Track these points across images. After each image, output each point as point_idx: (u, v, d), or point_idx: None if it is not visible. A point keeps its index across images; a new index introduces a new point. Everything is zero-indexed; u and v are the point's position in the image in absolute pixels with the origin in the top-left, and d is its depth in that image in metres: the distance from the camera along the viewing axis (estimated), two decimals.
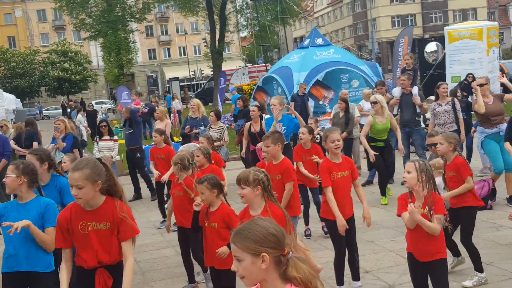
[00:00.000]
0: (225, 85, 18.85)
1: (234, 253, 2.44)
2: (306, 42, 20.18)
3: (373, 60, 31.50)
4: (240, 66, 45.06)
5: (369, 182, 10.75)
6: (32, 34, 71.04)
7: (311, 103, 16.10)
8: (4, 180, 4.53)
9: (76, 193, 3.70)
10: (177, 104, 26.82)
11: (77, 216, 3.83)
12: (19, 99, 17.60)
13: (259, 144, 9.78)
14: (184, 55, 70.46)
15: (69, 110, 32.14)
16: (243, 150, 10.16)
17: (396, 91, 10.75)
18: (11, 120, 13.44)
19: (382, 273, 6.18)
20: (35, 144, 10.95)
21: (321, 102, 17.70)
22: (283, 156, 6.00)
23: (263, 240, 2.39)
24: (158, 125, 12.52)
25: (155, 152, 9.05)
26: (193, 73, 60.15)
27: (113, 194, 3.87)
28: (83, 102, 38.24)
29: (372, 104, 9.40)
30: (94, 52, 66.10)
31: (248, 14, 42.78)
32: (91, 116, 23.44)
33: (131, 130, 11.64)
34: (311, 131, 7.79)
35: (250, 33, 44.74)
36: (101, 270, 3.87)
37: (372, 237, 7.36)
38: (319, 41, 19.64)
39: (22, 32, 70.74)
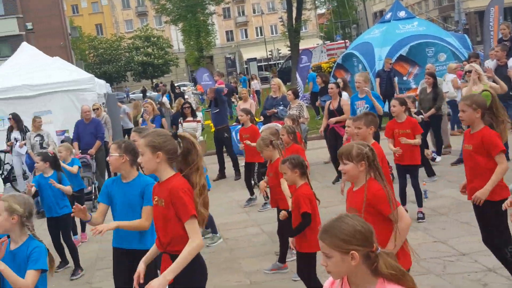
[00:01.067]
0: (308, 64, 18.44)
1: (323, 250, 2.45)
2: (388, 15, 19.36)
3: (460, 32, 29.85)
4: (317, 44, 44.38)
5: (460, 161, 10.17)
6: (117, 21, 73.38)
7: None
8: (108, 158, 4.67)
9: (140, 160, 3.62)
10: (256, 85, 26.77)
11: (154, 189, 3.72)
12: (108, 84, 18.15)
13: (332, 119, 9.52)
14: (261, 35, 70.35)
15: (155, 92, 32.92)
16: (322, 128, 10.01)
17: (490, 63, 10.03)
18: (103, 103, 13.79)
19: (480, 256, 5.76)
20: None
21: (405, 78, 16.97)
22: (373, 141, 5.52)
23: (351, 238, 2.40)
24: (242, 105, 12.46)
25: (242, 132, 9.08)
26: (270, 53, 59.96)
27: (187, 174, 3.57)
28: (172, 85, 39.07)
29: (467, 73, 8.81)
30: (175, 36, 67.39)
31: None
32: (178, 97, 23.81)
33: (217, 110, 11.65)
34: (402, 102, 7.35)
35: (328, 9, 43.85)
36: (165, 256, 3.62)
37: (467, 219, 6.91)
38: (402, 14, 18.79)
39: (108, 20, 73.25)
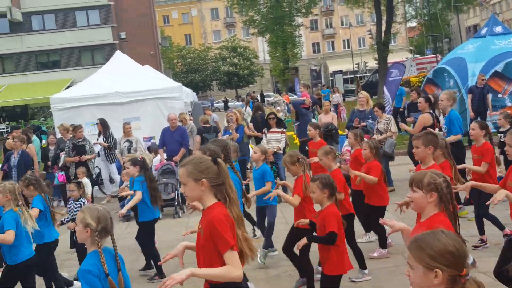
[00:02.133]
0: (399, 77, 17.98)
1: (408, 260, 2.43)
2: (484, 30, 18.61)
3: None
4: (407, 58, 43.41)
5: None
6: (206, 32, 75.37)
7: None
8: None
9: (182, 190, 3.50)
10: (338, 98, 26.57)
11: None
12: (195, 93, 18.75)
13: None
14: (348, 47, 69.77)
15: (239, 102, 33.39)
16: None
17: None
18: (189, 112, 14.16)
19: None
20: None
21: (500, 95, 16.23)
22: (433, 162, 5.24)
23: (438, 256, 2.33)
24: (323, 118, 12.39)
25: (311, 146, 9.03)
26: (357, 65, 59.29)
27: (222, 199, 3.42)
28: (262, 94, 39.50)
29: None
30: (261, 47, 68.25)
31: (418, 3, 40.97)
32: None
33: (298, 122, 11.71)
34: (483, 126, 6.90)
35: (419, 23, 42.84)
36: (206, 284, 3.45)
37: None
38: (499, 29, 17.99)
39: (197, 30, 75.41)
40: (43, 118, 33.37)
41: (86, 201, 7.59)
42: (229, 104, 47.46)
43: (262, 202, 6.96)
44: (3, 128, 34.17)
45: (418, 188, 3.49)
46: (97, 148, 12.50)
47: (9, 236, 5.41)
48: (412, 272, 2.41)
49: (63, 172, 12.01)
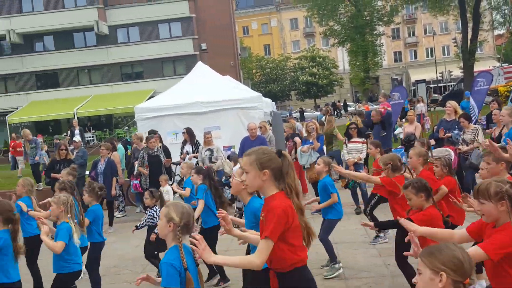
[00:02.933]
0: (486, 87, 17.34)
1: (418, 266, 2.62)
2: None
3: None
4: (494, 66, 41.69)
5: None
6: (285, 42, 75.83)
7: None
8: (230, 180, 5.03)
9: (244, 178, 3.69)
10: (421, 107, 25.90)
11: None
12: (274, 103, 19.01)
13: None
14: (432, 56, 67.86)
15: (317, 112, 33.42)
16: None
17: None
18: (268, 121, 14.32)
19: None
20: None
21: None
22: (507, 175, 5.09)
23: (447, 261, 2.51)
24: (407, 128, 12.15)
25: (375, 165, 8.73)
26: (441, 74, 57.57)
27: (284, 189, 3.60)
28: (345, 104, 39.07)
29: None
30: (341, 57, 67.79)
31: (506, 10, 39.32)
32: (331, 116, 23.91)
33: (385, 133, 11.55)
34: None
35: (508, 30, 41.06)
36: (272, 273, 3.66)
37: None
38: None
39: (276, 40, 76.02)
40: (126, 127, 34.77)
41: (158, 208, 7.82)
42: (305, 114, 47.38)
43: (327, 215, 7.06)
44: (90, 137, 35.87)
45: (486, 199, 3.39)
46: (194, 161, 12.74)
47: (58, 246, 5.62)
48: (419, 278, 2.60)
49: (137, 181, 12.47)
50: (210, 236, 7.35)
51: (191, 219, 3.66)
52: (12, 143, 26.71)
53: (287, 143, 13.34)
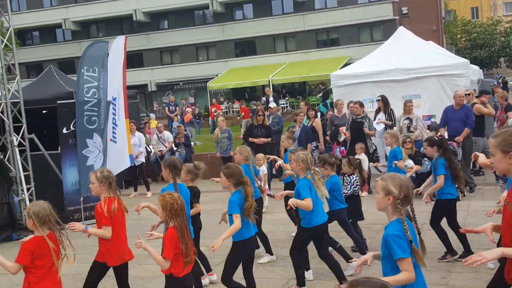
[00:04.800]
0: None
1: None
2: None
3: None
4: None
5: None
6: (495, 4, 70.13)
7: None
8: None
9: (491, 160, 3.70)
10: None
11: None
12: (481, 70, 17.80)
13: None
14: None
15: None
16: None
17: None
18: (474, 90, 13.52)
19: None
20: None
21: None
22: None
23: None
24: None
25: None
26: None
27: None
28: None
29: None
30: None
31: None
32: None
33: None
34: None
35: None
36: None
37: None
38: None
39: (485, 2, 70.70)
40: (320, 95, 35.34)
41: (356, 177, 7.92)
42: (509, 84, 43.42)
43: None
44: (283, 104, 37.20)
45: None
46: (379, 127, 12.75)
47: (308, 203, 5.99)
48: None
49: (343, 147, 12.80)
50: (446, 209, 7.20)
51: (410, 190, 3.65)
52: (212, 108, 28.94)
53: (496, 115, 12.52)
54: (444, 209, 7.12)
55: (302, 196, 6.02)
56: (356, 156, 11.23)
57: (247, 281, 5.79)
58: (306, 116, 13.87)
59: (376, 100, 13.32)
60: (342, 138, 12.84)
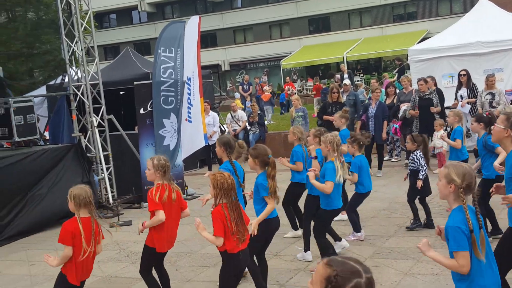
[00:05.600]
0: None
1: None
2: None
3: None
4: None
5: None
6: None
7: None
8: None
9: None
10: None
11: None
12: None
13: None
14: None
15: None
16: None
17: None
18: None
19: None
20: None
21: None
22: None
23: None
24: None
25: None
26: None
27: None
28: None
29: None
30: None
31: None
32: None
33: None
34: None
35: None
36: None
37: None
38: None
39: None
40: (395, 71, 34.47)
41: (420, 153, 7.85)
42: None
43: None
44: (358, 80, 36.60)
45: None
46: (466, 110, 12.27)
47: (328, 187, 6.15)
48: None
49: (397, 125, 12.69)
50: None
51: (473, 179, 3.61)
52: (286, 86, 28.88)
53: None
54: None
55: (326, 178, 6.15)
56: (435, 133, 10.98)
57: (259, 261, 5.86)
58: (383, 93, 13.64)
59: (459, 75, 12.82)
60: (401, 115, 12.55)
